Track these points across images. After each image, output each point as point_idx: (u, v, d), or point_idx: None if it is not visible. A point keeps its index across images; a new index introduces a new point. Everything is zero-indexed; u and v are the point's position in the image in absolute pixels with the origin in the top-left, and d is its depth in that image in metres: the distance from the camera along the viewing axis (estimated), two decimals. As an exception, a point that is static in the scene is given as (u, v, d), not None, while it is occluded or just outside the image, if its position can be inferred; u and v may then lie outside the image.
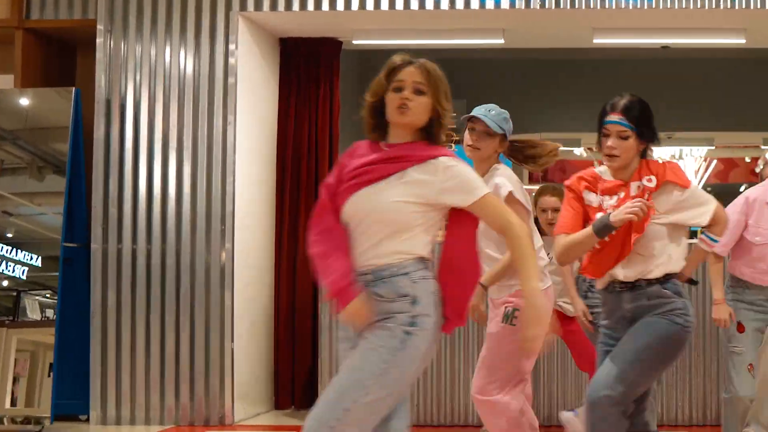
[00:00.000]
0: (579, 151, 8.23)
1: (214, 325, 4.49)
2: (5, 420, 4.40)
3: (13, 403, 4.48)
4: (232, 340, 4.46)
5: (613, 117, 2.24)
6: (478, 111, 2.79)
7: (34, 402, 4.44)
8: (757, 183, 3.70)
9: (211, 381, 4.47)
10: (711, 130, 7.25)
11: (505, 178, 2.67)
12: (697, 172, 8.82)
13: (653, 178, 2.28)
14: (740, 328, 3.17)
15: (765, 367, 3.31)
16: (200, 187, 4.59)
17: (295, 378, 5.04)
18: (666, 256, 2.30)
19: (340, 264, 1.77)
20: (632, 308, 2.28)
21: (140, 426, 4.46)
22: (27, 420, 4.43)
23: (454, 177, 1.77)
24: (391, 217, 1.70)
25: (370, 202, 1.73)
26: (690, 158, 8.43)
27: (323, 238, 1.82)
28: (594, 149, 2.64)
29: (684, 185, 2.33)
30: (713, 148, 7.90)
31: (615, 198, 2.27)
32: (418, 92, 1.78)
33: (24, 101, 4.79)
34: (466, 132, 2.84)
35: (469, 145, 2.80)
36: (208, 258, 4.50)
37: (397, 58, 1.87)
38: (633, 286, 2.28)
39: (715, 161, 8.95)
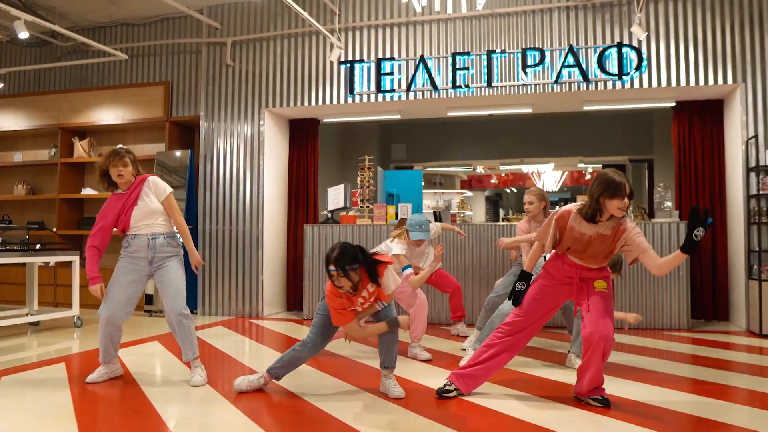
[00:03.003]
0: (479, 169, 12.37)
1: (254, 266, 7.29)
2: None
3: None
4: (262, 274, 7.28)
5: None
6: (421, 235, 4.83)
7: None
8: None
9: (252, 294, 7.28)
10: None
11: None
12: (557, 181, 13.00)
13: None
14: None
15: None
16: (249, 196, 7.37)
17: (295, 294, 7.72)
18: None
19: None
20: None
21: (218, 316, 7.29)
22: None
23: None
24: None
25: None
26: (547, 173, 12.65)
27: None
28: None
29: None
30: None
31: None
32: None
33: (172, 155, 7.68)
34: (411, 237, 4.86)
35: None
36: (251, 232, 7.33)
37: None
38: None
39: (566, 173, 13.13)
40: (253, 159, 7.48)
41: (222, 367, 4.55)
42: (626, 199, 3.15)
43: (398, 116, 7.52)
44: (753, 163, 6.22)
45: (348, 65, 7.17)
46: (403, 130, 10.69)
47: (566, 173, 15.06)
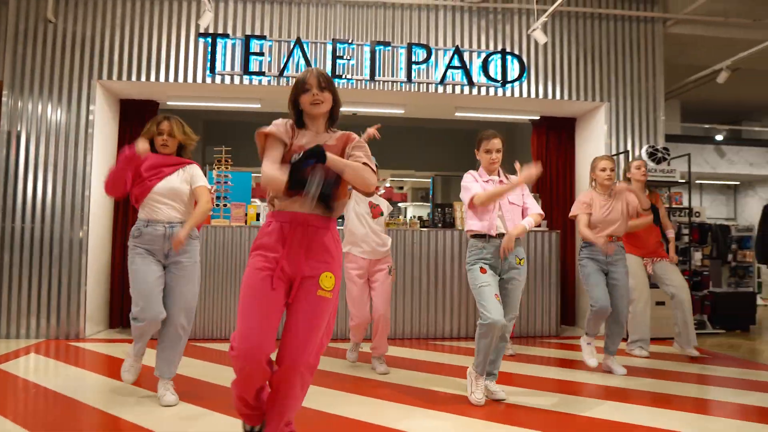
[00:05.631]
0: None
1: (74, 275, 5.60)
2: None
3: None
4: (86, 285, 5.63)
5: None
6: None
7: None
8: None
9: (72, 310, 5.56)
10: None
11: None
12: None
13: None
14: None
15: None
16: (70, 194, 5.67)
17: (121, 308, 6.22)
18: None
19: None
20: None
21: (25, 338, 5.47)
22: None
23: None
24: None
25: None
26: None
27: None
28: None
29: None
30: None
31: None
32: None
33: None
34: None
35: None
36: (73, 234, 5.63)
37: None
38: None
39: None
40: (78, 143, 5.75)
41: (67, 414, 3.14)
42: (315, 91, 2.30)
43: (258, 105, 6.35)
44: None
45: (209, 39, 5.85)
46: (225, 131, 9.30)
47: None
